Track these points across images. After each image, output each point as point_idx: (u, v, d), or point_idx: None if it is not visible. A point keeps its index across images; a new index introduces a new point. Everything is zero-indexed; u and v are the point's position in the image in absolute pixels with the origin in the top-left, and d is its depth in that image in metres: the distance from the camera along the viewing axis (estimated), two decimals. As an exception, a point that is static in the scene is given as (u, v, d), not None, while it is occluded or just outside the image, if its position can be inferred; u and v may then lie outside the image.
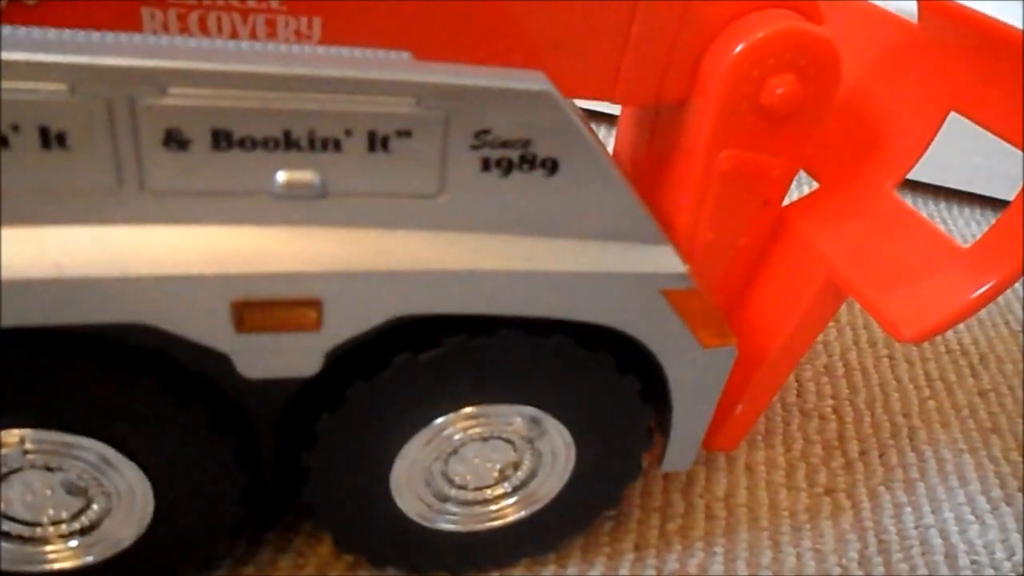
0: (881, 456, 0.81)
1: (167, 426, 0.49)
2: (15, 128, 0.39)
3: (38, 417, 0.47)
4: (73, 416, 0.47)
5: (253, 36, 0.51)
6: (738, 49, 0.53)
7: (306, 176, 0.43)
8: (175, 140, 0.41)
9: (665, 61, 0.55)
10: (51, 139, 0.39)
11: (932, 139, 0.62)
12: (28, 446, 0.48)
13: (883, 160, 0.64)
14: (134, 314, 0.44)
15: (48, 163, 0.40)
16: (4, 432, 0.47)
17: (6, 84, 0.38)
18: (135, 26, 0.49)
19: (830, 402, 0.87)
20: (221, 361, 0.47)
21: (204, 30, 0.51)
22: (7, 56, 0.38)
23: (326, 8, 0.51)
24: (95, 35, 0.42)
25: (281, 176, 0.43)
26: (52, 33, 0.41)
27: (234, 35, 0.51)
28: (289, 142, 0.42)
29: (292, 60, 0.42)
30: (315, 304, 0.46)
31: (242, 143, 0.42)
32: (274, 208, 0.44)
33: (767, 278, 0.67)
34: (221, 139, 0.41)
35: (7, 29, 0.41)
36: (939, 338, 0.99)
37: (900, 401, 0.88)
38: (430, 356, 0.50)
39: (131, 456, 0.50)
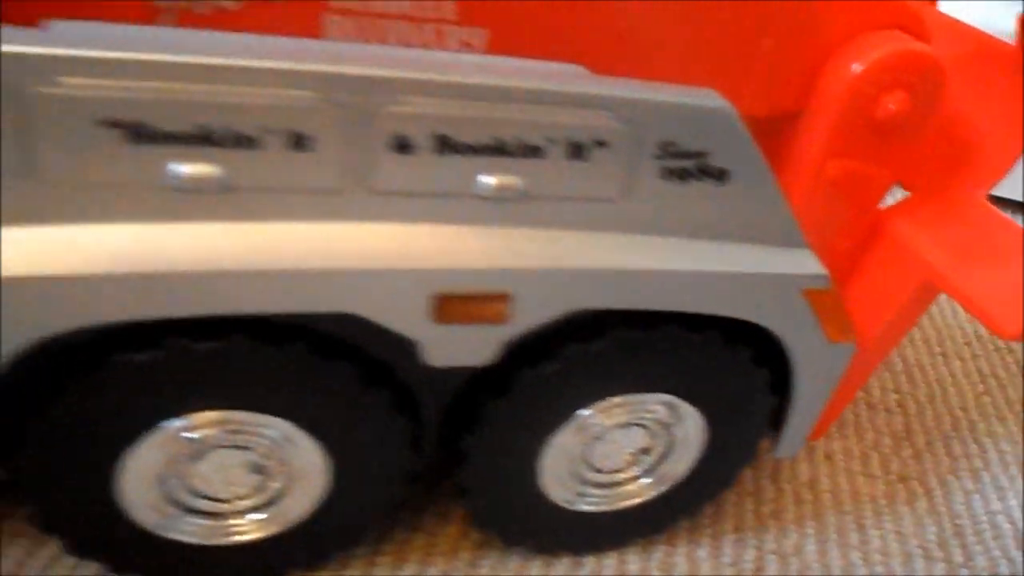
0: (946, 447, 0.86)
1: (354, 409, 0.52)
2: (267, 130, 0.42)
3: (239, 399, 0.50)
4: (271, 398, 0.51)
5: (423, 45, 0.55)
6: (858, 68, 0.57)
7: (512, 180, 0.47)
8: (402, 145, 0.45)
9: (786, 77, 0.59)
10: (296, 142, 0.43)
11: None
12: (226, 426, 0.51)
13: (975, 170, 0.69)
14: (344, 304, 0.47)
15: (289, 164, 0.43)
16: (208, 413, 0.50)
17: (262, 90, 0.41)
18: (316, 32, 0.53)
19: (894, 396, 0.92)
20: (409, 348, 0.51)
21: (381, 38, 0.54)
22: (265, 64, 0.41)
23: (493, 20, 0.55)
24: (329, 44, 0.45)
25: (490, 180, 0.47)
26: (292, 42, 0.45)
27: (406, 43, 0.54)
28: (500, 149, 0.46)
29: (511, 72, 0.45)
30: (506, 298, 0.50)
31: (459, 149, 0.45)
32: (478, 208, 0.48)
33: (862, 279, 0.71)
34: (441, 144, 0.45)
35: (254, 38, 0.45)
36: (986, 336, 1.04)
37: (957, 396, 0.94)
38: (596, 347, 0.54)
39: (316, 436, 0.53)
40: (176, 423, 0.50)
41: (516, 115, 0.45)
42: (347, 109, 0.43)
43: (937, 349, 1.01)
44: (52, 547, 0.62)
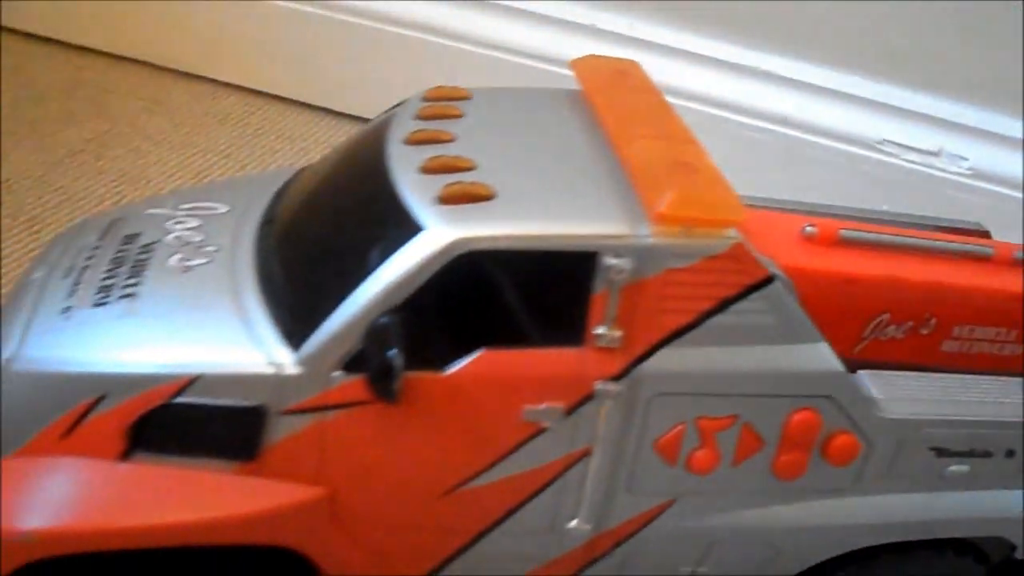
0: None
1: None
2: (996, 446, 0.55)
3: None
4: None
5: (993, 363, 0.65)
6: None
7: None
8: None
9: None
10: (1007, 453, 0.56)
11: None
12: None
13: None
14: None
15: (1005, 470, 0.57)
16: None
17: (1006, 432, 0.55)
18: (936, 352, 0.65)
19: None
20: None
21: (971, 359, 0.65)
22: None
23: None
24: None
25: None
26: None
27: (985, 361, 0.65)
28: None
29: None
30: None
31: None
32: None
33: None
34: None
35: (989, 383, 0.57)
36: None
37: None
38: None
39: None
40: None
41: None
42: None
43: None
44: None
